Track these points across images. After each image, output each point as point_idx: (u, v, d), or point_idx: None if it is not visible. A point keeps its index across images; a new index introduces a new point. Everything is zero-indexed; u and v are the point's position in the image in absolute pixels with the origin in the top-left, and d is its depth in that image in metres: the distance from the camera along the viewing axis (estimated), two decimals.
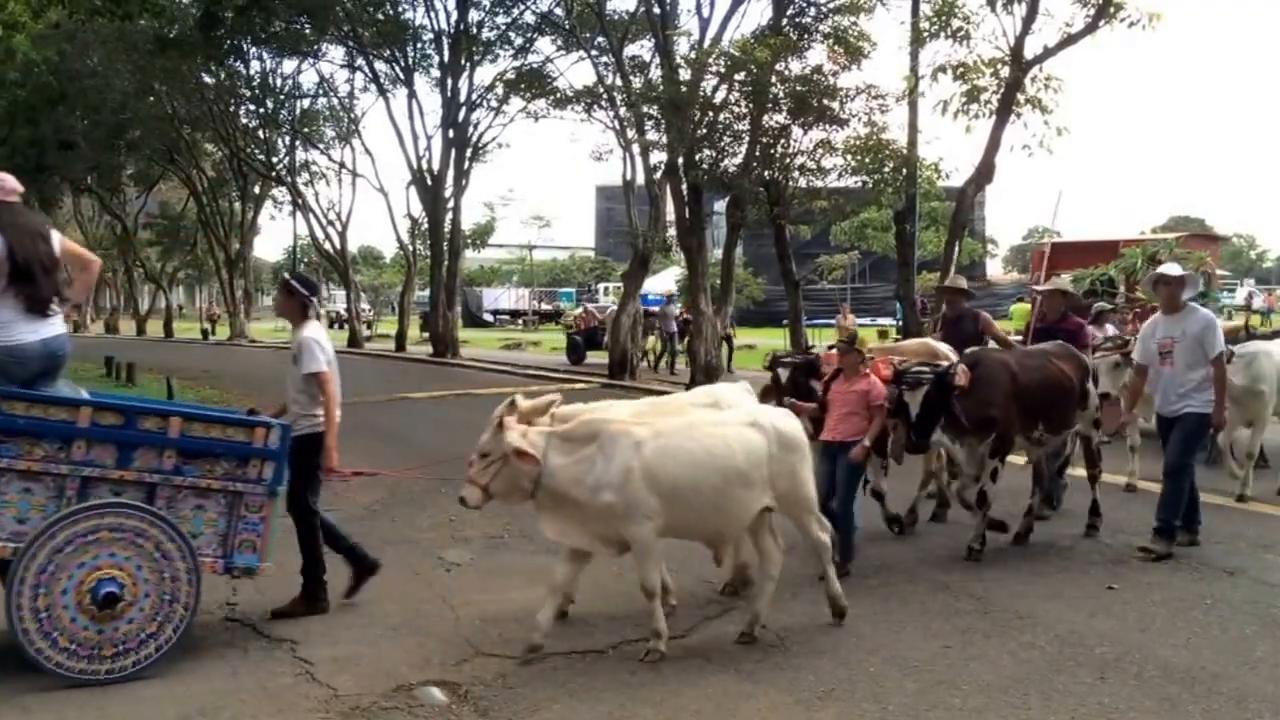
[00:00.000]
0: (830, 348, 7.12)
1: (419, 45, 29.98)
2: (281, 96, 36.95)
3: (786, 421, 5.78)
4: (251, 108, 37.52)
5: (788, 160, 18.88)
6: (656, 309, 25.58)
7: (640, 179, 24.02)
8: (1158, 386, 7.51)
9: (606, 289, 54.54)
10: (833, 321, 24.71)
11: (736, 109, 19.05)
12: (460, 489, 5.35)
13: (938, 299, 10.91)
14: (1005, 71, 14.36)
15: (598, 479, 5.19)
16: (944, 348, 8.08)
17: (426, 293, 33.85)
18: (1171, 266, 7.80)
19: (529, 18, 28.38)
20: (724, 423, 5.65)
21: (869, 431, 6.78)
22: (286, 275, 6.36)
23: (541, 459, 5.20)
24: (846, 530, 6.78)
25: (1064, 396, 7.57)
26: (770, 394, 7.47)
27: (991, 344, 8.64)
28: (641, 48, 24.85)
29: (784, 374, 7.60)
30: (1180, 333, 7.29)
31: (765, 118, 18.49)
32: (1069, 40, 14.22)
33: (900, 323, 18.88)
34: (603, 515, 5.23)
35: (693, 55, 19.92)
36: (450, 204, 30.56)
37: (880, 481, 7.83)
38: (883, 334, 30.16)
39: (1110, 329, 10.79)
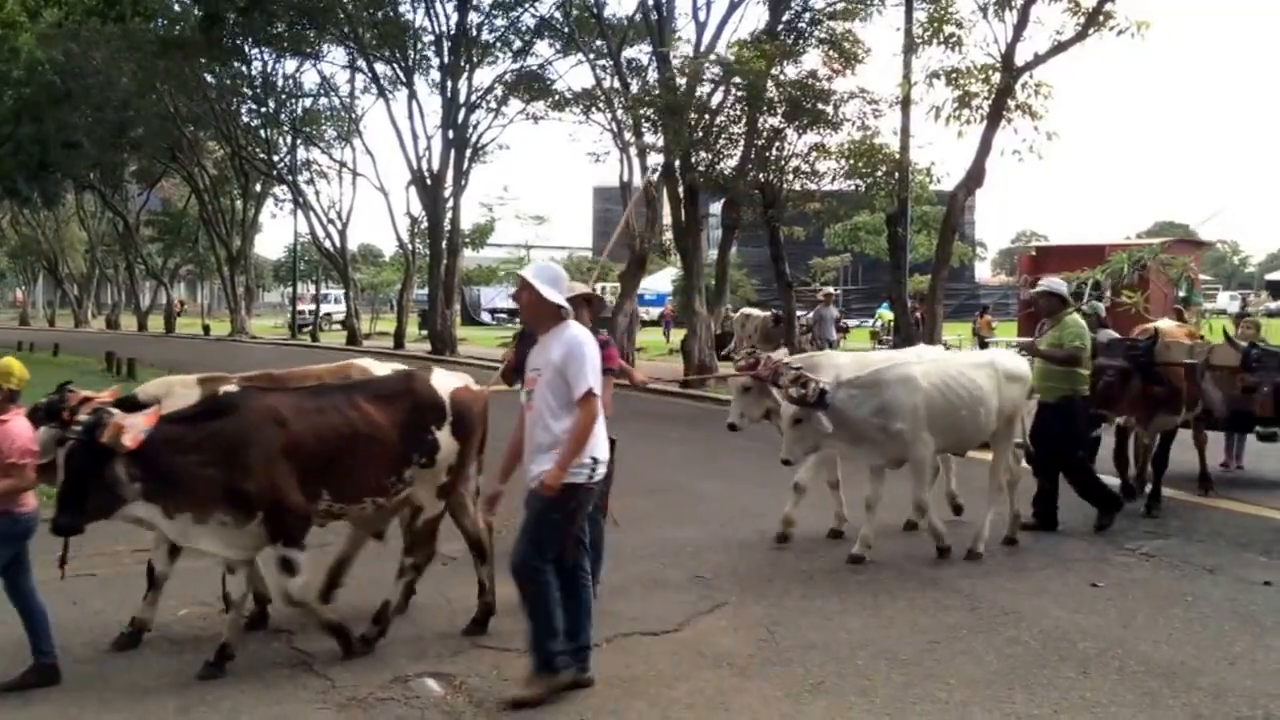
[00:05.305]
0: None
1: (419, 47, 30.07)
2: (283, 96, 37.13)
3: None
4: (253, 107, 37.71)
5: (782, 163, 18.99)
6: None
7: (637, 180, 24.12)
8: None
9: (604, 289, 54.54)
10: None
11: (732, 112, 19.17)
12: None
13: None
14: (996, 78, 14.47)
15: None
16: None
17: (425, 291, 33.95)
18: (547, 271, 4.98)
19: (528, 20, 28.54)
20: None
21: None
22: None
23: None
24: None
25: (363, 451, 5.30)
26: None
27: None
28: (639, 51, 24.97)
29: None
30: (544, 361, 4.85)
31: (760, 121, 18.60)
32: (1059, 48, 14.34)
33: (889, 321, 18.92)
34: None
35: (690, 61, 20.03)
36: (449, 204, 30.68)
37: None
38: (874, 335, 30.06)
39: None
